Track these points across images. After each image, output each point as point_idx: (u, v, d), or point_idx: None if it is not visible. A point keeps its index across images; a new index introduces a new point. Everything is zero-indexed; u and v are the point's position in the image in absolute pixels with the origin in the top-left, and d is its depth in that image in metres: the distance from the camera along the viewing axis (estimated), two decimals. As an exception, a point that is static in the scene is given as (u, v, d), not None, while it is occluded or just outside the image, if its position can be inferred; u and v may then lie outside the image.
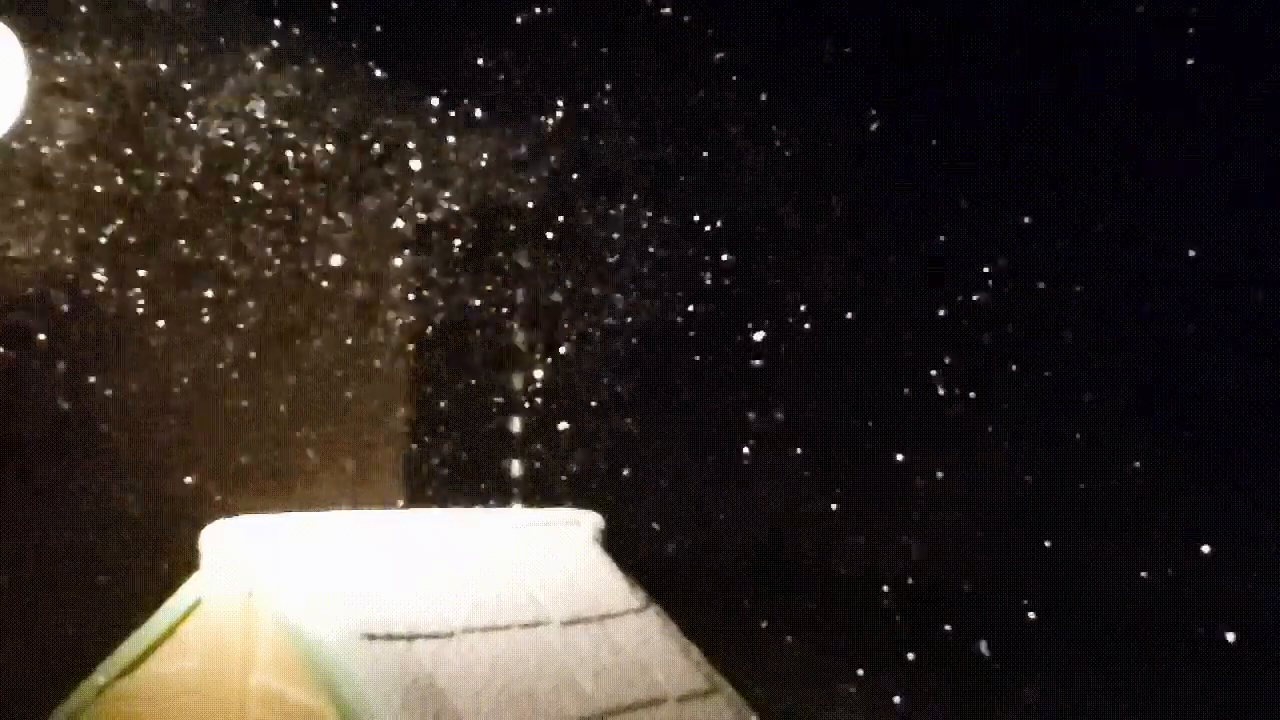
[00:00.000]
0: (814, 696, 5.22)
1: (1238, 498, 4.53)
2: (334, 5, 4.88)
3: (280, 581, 2.70)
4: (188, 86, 4.50)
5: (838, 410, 5.47)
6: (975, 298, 5.09)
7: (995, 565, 5.11)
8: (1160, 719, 4.60)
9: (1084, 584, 4.86)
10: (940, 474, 5.19)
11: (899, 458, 5.28)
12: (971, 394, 5.15)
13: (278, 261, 4.80)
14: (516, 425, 5.55)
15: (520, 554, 3.15)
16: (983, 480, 5.16)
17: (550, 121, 5.45)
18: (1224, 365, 4.55)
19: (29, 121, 4.07)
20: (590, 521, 3.42)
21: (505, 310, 5.60)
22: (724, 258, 5.53)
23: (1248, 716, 4.38)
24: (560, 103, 5.39)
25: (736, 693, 3.15)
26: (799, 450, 5.53)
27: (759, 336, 5.50)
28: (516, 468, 5.52)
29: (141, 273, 4.42)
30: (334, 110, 4.92)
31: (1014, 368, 5.04)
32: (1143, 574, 4.73)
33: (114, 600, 3.67)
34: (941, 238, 5.11)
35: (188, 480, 4.41)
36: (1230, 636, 4.49)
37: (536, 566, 3.12)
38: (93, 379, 4.27)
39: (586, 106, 5.39)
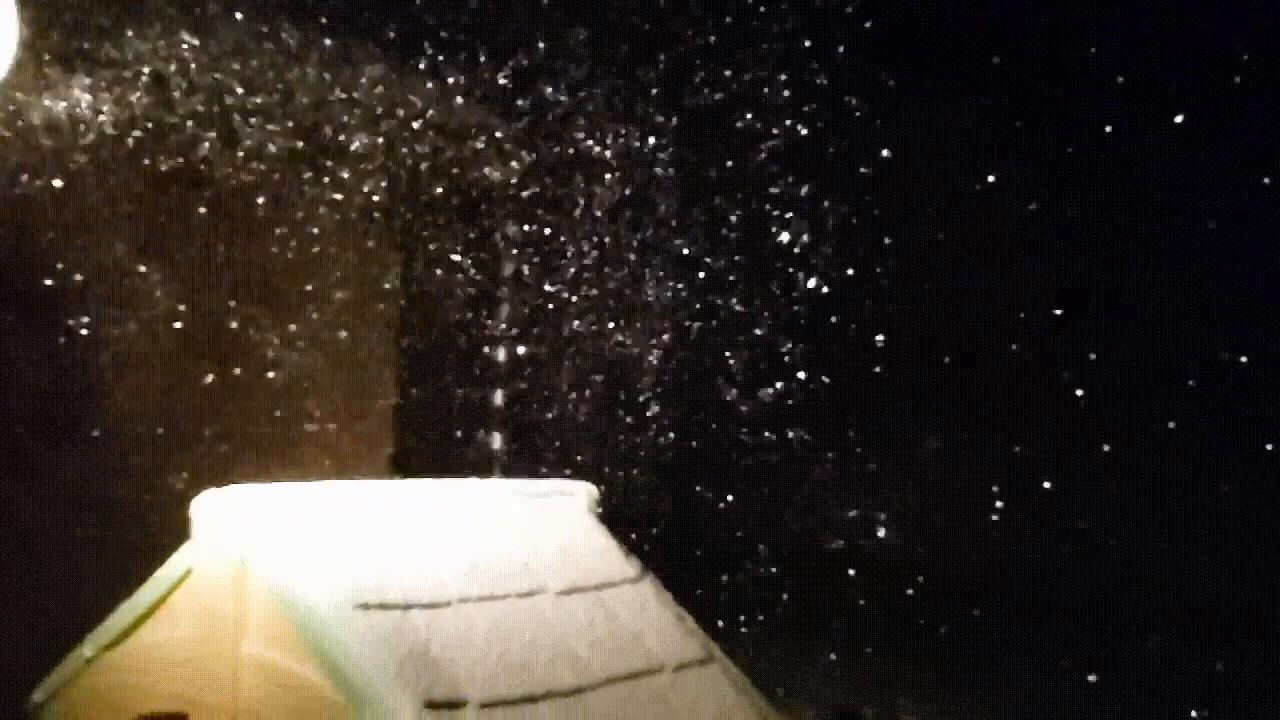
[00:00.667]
0: (801, 669, 5.25)
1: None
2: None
3: (273, 550, 2.66)
4: (171, 55, 4.43)
5: (837, 384, 5.47)
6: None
7: (983, 548, 5.13)
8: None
9: (1075, 570, 4.89)
10: (937, 451, 5.20)
11: (896, 434, 5.29)
12: (965, 380, 5.16)
13: (265, 230, 4.75)
14: (512, 396, 5.52)
15: (515, 524, 3.13)
16: (978, 463, 5.18)
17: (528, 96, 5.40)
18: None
19: (18, 79, 4.00)
20: (585, 491, 3.39)
21: (495, 281, 5.57)
22: (721, 228, 5.50)
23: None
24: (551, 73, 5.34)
25: (731, 662, 3.13)
26: (795, 425, 5.54)
27: (758, 310, 5.49)
28: (511, 439, 5.50)
29: (127, 243, 4.37)
30: (320, 79, 4.85)
31: (1015, 348, 5.05)
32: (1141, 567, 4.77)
33: (102, 570, 3.63)
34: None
35: (178, 450, 4.37)
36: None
37: (532, 536, 3.10)
38: (79, 349, 4.22)
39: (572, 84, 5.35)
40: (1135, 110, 4.50)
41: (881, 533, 5.36)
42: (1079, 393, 4.87)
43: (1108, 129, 4.56)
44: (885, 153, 4.99)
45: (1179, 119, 4.41)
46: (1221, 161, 4.43)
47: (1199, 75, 4.35)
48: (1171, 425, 4.69)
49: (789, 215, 5.15)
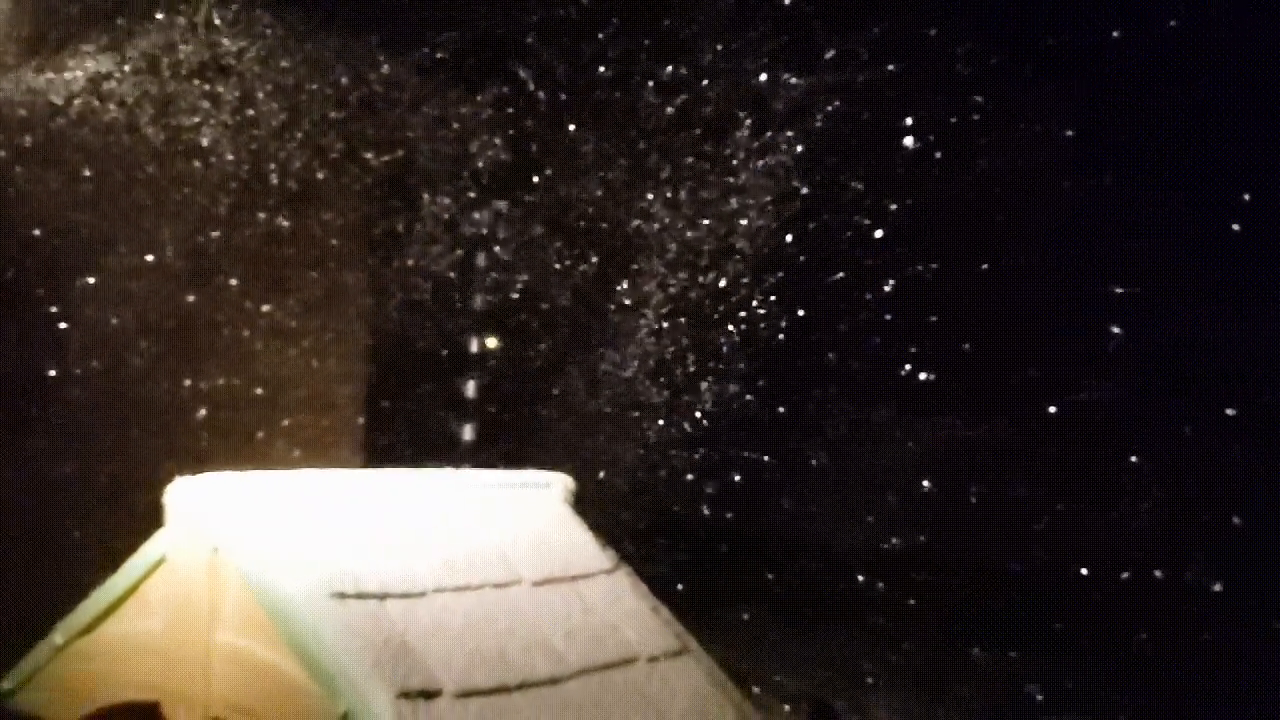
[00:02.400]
0: (770, 659, 5.27)
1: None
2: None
3: (247, 539, 2.65)
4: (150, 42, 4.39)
5: (802, 379, 5.49)
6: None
7: (950, 535, 5.17)
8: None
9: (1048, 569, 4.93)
10: (908, 444, 5.23)
11: (867, 426, 5.31)
12: (939, 371, 5.19)
13: (244, 221, 4.71)
14: (486, 388, 5.50)
15: (491, 514, 3.12)
16: (946, 452, 5.21)
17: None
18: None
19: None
20: (560, 482, 3.39)
21: (467, 273, 5.55)
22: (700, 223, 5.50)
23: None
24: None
25: (705, 654, 3.14)
26: (762, 418, 5.55)
27: (724, 300, 5.50)
28: (486, 430, 5.48)
29: (103, 232, 4.32)
30: (300, 69, 4.81)
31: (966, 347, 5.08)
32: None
33: (74, 558, 3.60)
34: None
35: (152, 437, 4.33)
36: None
37: (507, 527, 3.10)
38: (55, 338, 4.18)
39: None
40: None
41: (856, 529, 5.39)
42: (1051, 409, 4.92)
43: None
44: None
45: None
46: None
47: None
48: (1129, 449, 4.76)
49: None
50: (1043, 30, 4.81)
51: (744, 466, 5.59)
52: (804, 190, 5.22)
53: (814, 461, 5.47)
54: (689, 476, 5.61)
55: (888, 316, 5.24)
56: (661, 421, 5.60)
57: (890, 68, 4.98)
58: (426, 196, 5.32)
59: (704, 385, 5.54)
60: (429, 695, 2.43)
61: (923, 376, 5.22)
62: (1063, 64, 4.79)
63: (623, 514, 5.24)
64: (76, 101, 4.28)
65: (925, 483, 5.25)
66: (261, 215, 4.78)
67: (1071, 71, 4.75)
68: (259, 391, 4.71)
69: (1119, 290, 4.75)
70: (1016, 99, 4.86)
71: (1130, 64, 4.66)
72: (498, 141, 5.35)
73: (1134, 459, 4.75)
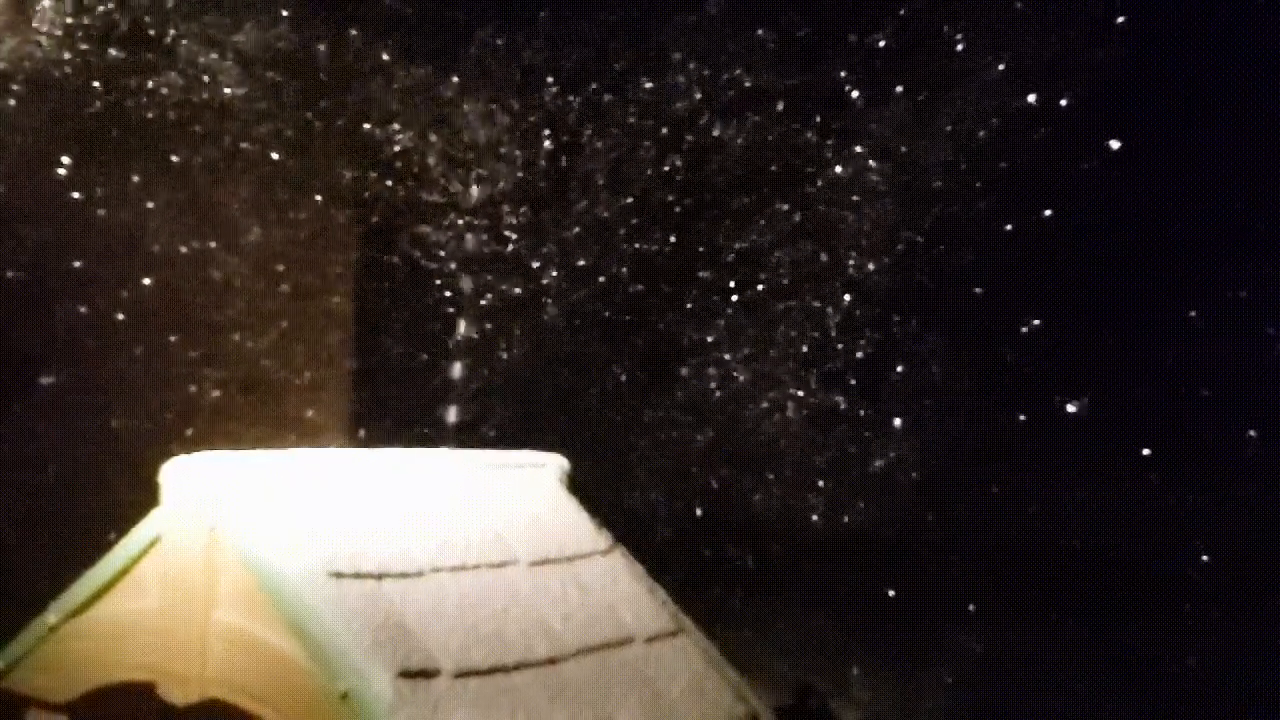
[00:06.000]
0: (757, 640, 5.29)
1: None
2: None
3: (244, 518, 2.63)
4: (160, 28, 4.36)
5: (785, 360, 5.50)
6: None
7: (934, 515, 5.20)
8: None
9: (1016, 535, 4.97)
10: (895, 422, 5.25)
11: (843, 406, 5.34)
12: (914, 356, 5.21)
13: (242, 204, 4.68)
14: (482, 370, 5.49)
15: (487, 495, 3.12)
16: (925, 430, 5.23)
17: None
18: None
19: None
20: (555, 463, 3.39)
21: (461, 255, 5.53)
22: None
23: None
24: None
25: (702, 634, 3.15)
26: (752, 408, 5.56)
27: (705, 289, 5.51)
28: (478, 411, 5.47)
29: (103, 211, 4.29)
30: (308, 54, 4.78)
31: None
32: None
33: (67, 536, 3.57)
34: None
35: (146, 416, 4.30)
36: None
37: (503, 507, 3.10)
38: (49, 314, 4.14)
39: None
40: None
41: (840, 512, 5.41)
42: (1020, 417, 4.96)
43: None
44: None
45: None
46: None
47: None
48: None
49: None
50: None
51: (733, 454, 5.60)
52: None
53: (800, 446, 5.49)
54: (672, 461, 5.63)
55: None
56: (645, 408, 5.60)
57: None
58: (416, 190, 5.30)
59: (687, 370, 5.55)
60: (428, 675, 2.43)
61: (899, 368, 5.26)
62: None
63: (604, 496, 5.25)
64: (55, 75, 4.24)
65: (913, 470, 5.28)
66: (253, 202, 4.75)
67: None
68: (255, 372, 4.69)
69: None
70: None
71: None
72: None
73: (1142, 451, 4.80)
